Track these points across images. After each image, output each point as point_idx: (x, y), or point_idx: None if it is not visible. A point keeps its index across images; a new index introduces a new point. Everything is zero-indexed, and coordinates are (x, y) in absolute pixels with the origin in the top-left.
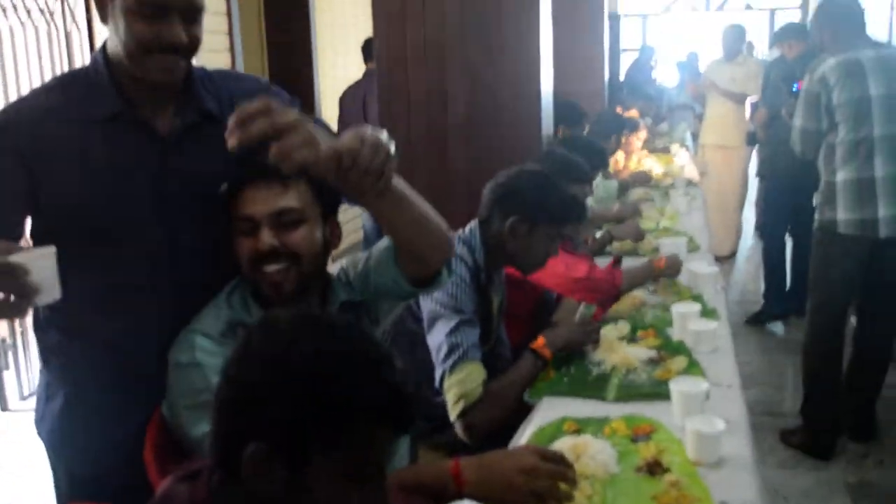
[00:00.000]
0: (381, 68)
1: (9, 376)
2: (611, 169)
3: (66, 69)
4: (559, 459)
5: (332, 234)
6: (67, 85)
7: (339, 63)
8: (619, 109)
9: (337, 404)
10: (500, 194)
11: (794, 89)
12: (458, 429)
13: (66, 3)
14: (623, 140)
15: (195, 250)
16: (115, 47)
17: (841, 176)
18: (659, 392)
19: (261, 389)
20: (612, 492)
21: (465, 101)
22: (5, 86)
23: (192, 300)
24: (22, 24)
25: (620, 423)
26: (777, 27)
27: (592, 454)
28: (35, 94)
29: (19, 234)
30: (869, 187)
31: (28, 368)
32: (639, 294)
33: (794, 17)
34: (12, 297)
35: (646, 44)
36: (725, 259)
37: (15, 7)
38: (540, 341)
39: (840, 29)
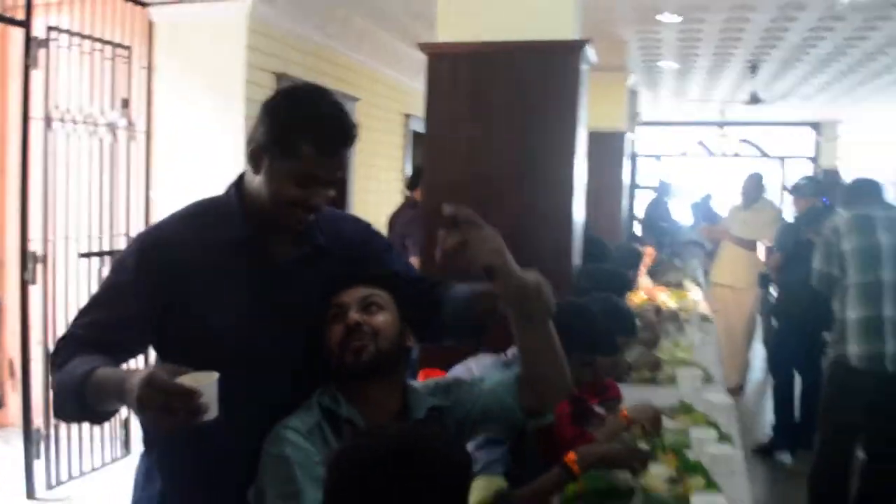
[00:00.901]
0: (426, 196)
1: (39, 466)
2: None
3: (123, 177)
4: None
5: (407, 337)
6: (201, 213)
7: (371, 188)
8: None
9: None
10: None
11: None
12: None
13: (130, 121)
14: (639, 274)
15: (295, 365)
16: (257, 191)
17: (852, 314)
18: None
19: None
20: None
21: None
22: (67, 188)
23: (279, 406)
24: (89, 135)
25: None
26: (787, 174)
27: None
28: (172, 219)
29: (140, 352)
30: (877, 325)
31: (57, 459)
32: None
33: (806, 165)
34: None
35: (663, 181)
36: (733, 392)
37: (85, 120)
38: (571, 456)
39: (861, 196)
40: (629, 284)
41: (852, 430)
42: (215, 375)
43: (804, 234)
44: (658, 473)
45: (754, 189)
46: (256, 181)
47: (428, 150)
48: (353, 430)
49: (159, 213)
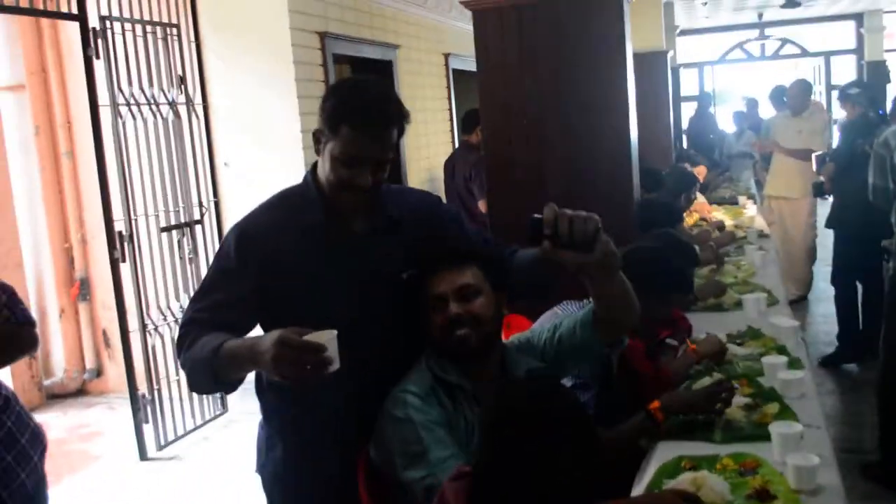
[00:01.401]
0: (488, 151)
1: (147, 429)
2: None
3: (189, 151)
4: (694, 499)
5: (502, 305)
6: (285, 201)
7: (419, 132)
8: (687, 166)
9: None
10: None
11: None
12: None
13: (188, 96)
14: (693, 197)
15: (384, 327)
16: (322, 173)
17: None
18: (759, 434)
19: None
20: None
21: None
22: (140, 168)
23: (381, 367)
24: (154, 116)
25: (729, 460)
26: (833, 70)
27: (711, 485)
28: (261, 209)
29: (250, 329)
30: None
31: (163, 422)
32: (729, 347)
33: (850, 61)
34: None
35: (704, 90)
36: (795, 303)
37: (149, 101)
38: (655, 403)
39: None
40: (680, 215)
41: None
42: (335, 332)
43: (857, 144)
44: (734, 401)
45: (802, 96)
46: (321, 167)
47: (483, 102)
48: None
49: (228, 182)
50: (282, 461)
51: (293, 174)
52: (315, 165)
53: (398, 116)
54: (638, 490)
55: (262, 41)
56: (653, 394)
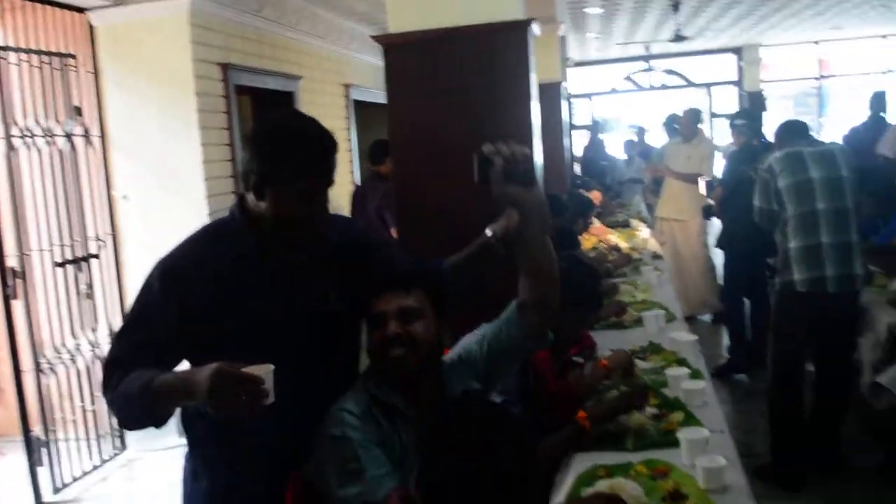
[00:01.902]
0: (396, 181)
1: (42, 472)
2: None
3: (86, 183)
4: (612, 500)
5: (443, 334)
6: (211, 234)
7: None
8: (583, 192)
9: None
10: None
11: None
12: None
13: (85, 128)
14: (590, 222)
15: (320, 356)
16: (263, 212)
17: (794, 244)
18: (668, 441)
19: None
20: None
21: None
22: (34, 201)
23: (315, 396)
24: (49, 147)
25: (642, 467)
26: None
27: (628, 491)
28: (186, 244)
29: (175, 365)
30: (817, 252)
31: (59, 464)
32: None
33: (731, 91)
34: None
35: (595, 119)
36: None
37: (44, 134)
38: (582, 414)
39: (790, 135)
40: (577, 239)
41: (801, 348)
42: (271, 367)
43: (742, 171)
44: (645, 412)
45: (692, 124)
46: (261, 206)
47: (392, 133)
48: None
49: (126, 216)
50: (208, 494)
51: (194, 206)
52: (242, 198)
53: (335, 143)
54: (557, 500)
55: (162, 72)
56: (564, 409)
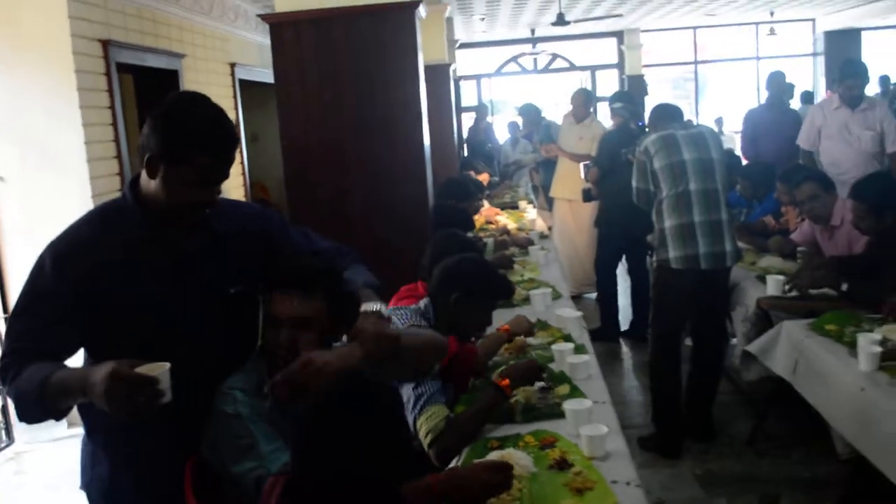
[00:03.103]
0: (286, 167)
1: None
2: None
3: None
4: (502, 467)
5: (338, 336)
6: (102, 217)
7: None
8: (472, 174)
9: None
10: (444, 276)
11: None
12: (432, 456)
13: None
14: (479, 204)
15: (211, 341)
16: (154, 193)
17: (668, 223)
18: (554, 412)
19: None
20: (536, 485)
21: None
22: None
23: (210, 379)
24: None
25: (531, 437)
26: (598, 83)
27: (516, 460)
28: (76, 226)
29: (77, 349)
30: (690, 230)
31: None
32: (522, 339)
33: (613, 75)
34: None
35: (481, 101)
36: (577, 298)
37: None
38: (504, 381)
39: (664, 118)
40: (471, 221)
41: (678, 322)
42: (167, 365)
43: (620, 153)
44: (530, 387)
45: (583, 105)
46: (153, 185)
47: (281, 115)
48: None
49: (4, 198)
50: (108, 477)
51: (77, 189)
52: (135, 180)
53: (236, 130)
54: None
55: (40, 48)
56: (466, 371)
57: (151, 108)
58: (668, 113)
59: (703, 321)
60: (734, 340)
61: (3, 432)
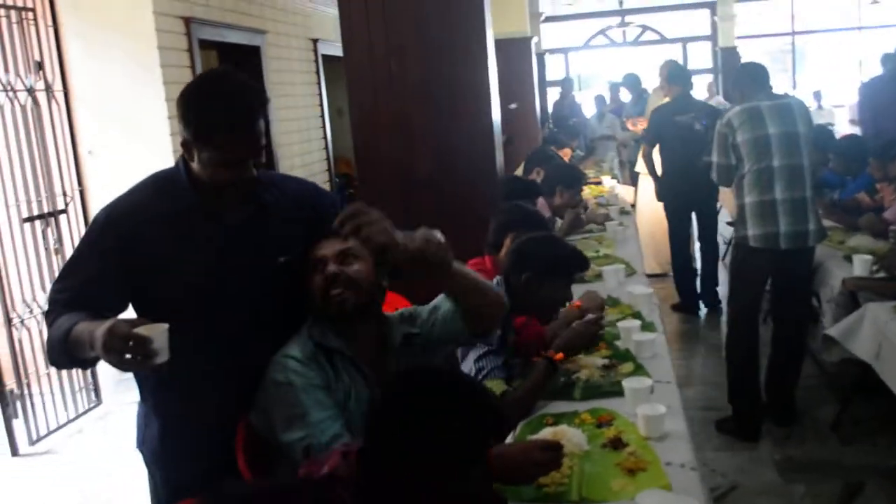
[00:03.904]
0: (354, 135)
1: (18, 424)
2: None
3: (48, 141)
4: (553, 445)
5: (384, 278)
6: (155, 185)
7: (291, 116)
8: (553, 149)
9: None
10: (513, 257)
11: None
12: None
13: (47, 83)
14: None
15: (260, 310)
16: (198, 170)
17: (749, 199)
18: (614, 390)
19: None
20: (588, 463)
21: (429, 163)
22: None
23: (258, 349)
24: (10, 102)
25: (587, 415)
26: (689, 56)
27: (570, 437)
28: (131, 192)
29: (120, 310)
30: (771, 208)
31: (34, 416)
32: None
33: (705, 48)
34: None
35: (567, 76)
36: (662, 276)
37: (4, 88)
38: (552, 353)
39: (749, 86)
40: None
41: (755, 301)
42: (165, 326)
43: (672, 121)
44: (593, 362)
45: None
46: (195, 165)
47: (350, 87)
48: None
49: (93, 171)
50: (159, 438)
51: (161, 161)
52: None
53: (262, 106)
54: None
55: (124, 25)
56: (534, 347)
57: None
58: (755, 77)
59: (784, 301)
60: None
61: (93, 393)
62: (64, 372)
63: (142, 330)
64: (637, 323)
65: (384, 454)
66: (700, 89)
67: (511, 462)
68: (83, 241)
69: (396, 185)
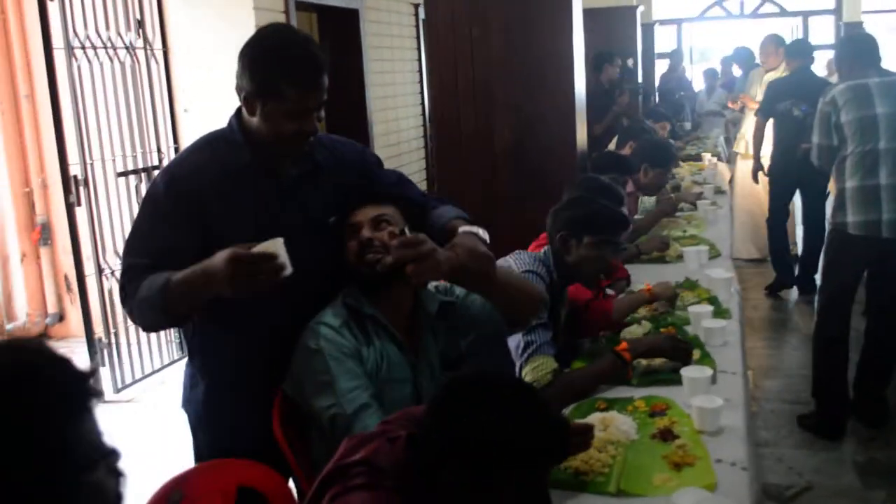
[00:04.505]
0: (434, 104)
1: (105, 372)
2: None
3: (146, 98)
4: (582, 429)
5: None
6: (210, 144)
7: (387, 81)
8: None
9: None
10: (553, 218)
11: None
12: None
13: (146, 41)
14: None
15: (309, 270)
16: (256, 127)
17: (850, 183)
18: (674, 378)
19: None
20: (632, 453)
21: (510, 134)
22: (97, 112)
23: (303, 310)
24: (110, 59)
25: (641, 402)
26: (811, 30)
27: (617, 424)
28: (187, 152)
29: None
30: (874, 193)
31: (120, 365)
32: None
33: (828, 21)
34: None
35: (679, 48)
36: (760, 262)
37: (104, 45)
38: (623, 345)
39: (856, 60)
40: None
41: (849, 291)
42: (280, 239)
43: (783, 104)
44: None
45: (774, 53)
46: (254, 121)
47: (430, 55)
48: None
49: (188, 128)
50: (203, 400)
51: None
52: (239, 110)
53: (325, 60)
54: None
55: None
56: (597, 323)
57: (334, 47)
58: (862, 51)
59: (881, 293)
60: None
61: (178, 346)
62: None
63: (260, 249)
64: (709, 308)
65: (439, 449)
66: (820, 66)
67: None
68: (148, 207)
69: (477, 157)
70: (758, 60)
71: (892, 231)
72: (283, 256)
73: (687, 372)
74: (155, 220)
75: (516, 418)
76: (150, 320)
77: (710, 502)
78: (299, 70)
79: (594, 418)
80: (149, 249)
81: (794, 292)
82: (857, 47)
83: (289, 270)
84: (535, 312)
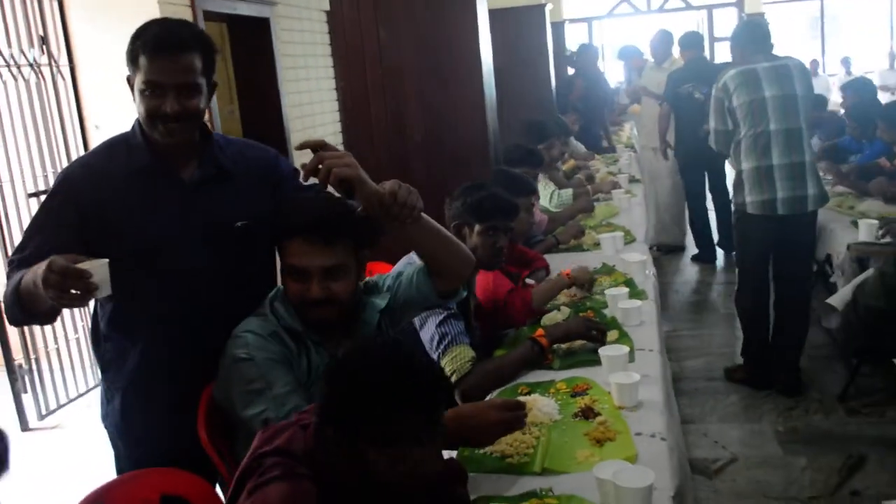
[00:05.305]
0: (343, 100)
1: (27, 399)
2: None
3: (54, 116)
4: (513, 405)
5: (363, 270)
6: (110, 147)
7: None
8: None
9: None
10: (447, 208)
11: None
12: (457, 397)
13: (51, 57)
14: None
15: (214, 273)
16: (141, 119)
17: (746, 165)
18: (594, 359)
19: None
20: (556, 432)
21: (422, 127)
22: (2, 134)
23: (212, 312)
24: (14, 77)
25: (563, 384)
26: (714, 25)
27: (539, 407)
28: (87, 155)
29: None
30: (768, 174)
31: (44, 391)
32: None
33: (731, 14)
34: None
35: (590, 44)
36: (678, 248)
37: (7, 63)
38: (539, 332)
39: (747, 46)
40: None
41: (762, 263)
42: (105, 260)
43: (684, 88)
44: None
45: (662, 46)
46: (136, 101)
47: (336, 54)
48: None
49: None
50: (120, 411)
51: None
52: None
53: (196, 41)
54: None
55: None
56: (515, 315)
57: (242, 58)
58: (753, 37)
59: (785, 266)
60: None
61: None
62: (73, 347)
63: (86, 265)
64: (625, 290)
65: (337, 427)
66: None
67: (466, 423)
68: (39, 209)
69: (389, 150)
70: (647, 56)
71: (787, 208)
72: (100, 277)
73: (605, 351)
74: (43, 220)
75: (378, 371)
76: (11, 316)
77: (628, 472)
78: (152, 39)
79: None
80: (31, 247)
81: (717, 276)
82: (748, 34)
83: (105, 293)
84: (468, 267)
